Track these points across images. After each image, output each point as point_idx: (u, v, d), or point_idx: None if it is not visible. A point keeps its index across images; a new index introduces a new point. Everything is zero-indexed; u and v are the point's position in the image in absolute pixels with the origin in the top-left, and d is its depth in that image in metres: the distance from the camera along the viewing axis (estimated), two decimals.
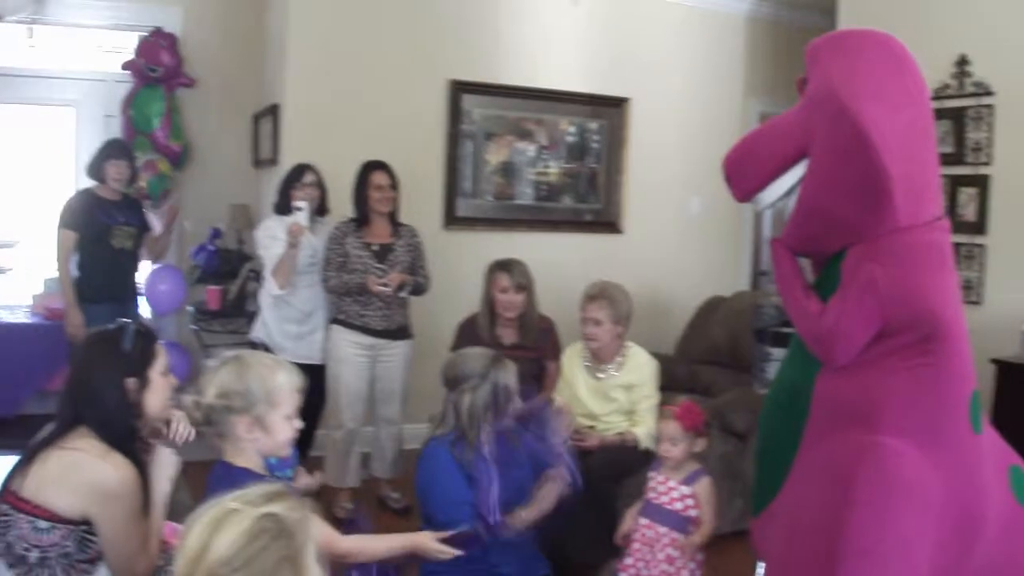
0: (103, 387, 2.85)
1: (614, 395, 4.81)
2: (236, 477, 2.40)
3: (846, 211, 2.68)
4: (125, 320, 3.09)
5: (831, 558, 2.67)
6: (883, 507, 2.62)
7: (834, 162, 2.64)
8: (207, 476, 2.84)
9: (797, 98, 2.90)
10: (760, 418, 3.15)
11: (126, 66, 7.21)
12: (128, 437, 2.85)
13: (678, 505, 3.72)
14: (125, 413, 2.86)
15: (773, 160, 2.80)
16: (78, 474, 2.72)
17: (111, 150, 6.07)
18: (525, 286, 5.26)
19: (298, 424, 2.84)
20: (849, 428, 2.72)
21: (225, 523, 1.74)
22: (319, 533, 2.78)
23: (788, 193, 2.83)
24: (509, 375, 3.68)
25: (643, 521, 3.77)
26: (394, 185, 5.54)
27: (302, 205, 5.34)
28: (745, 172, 2.89)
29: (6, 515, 2.77)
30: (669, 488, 3.75)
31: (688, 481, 3.74)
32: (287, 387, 2.78)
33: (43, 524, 2.70)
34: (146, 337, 3.02)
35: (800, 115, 2.77)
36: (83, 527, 2.74)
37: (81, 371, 2.92)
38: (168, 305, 7.04)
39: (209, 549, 1.71)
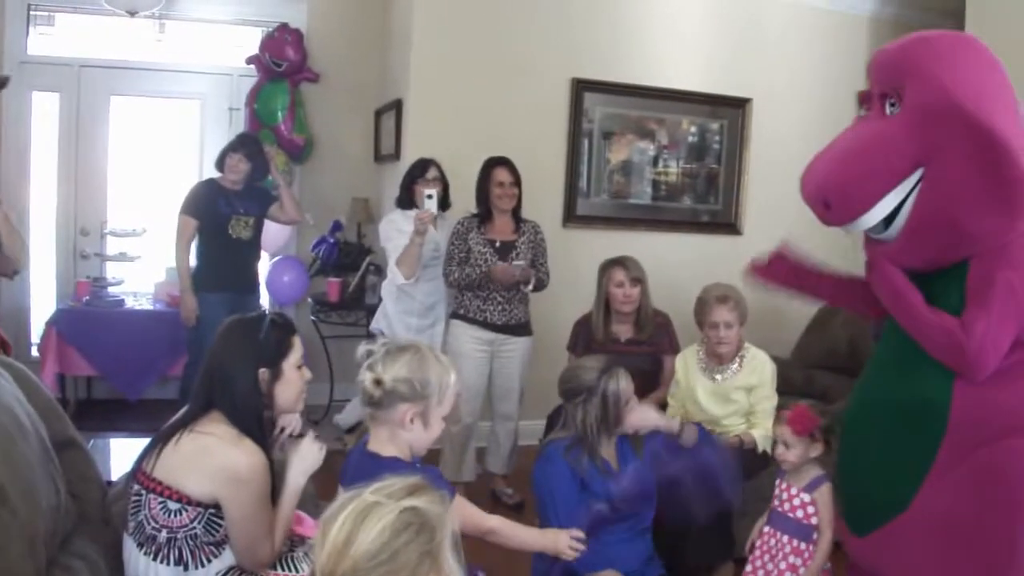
0: (236, 374, 2.89)
1: (734, 397, 4.75)
2: (377, 465, 2.41)
3: (977, 220, 2.61)
4: (266, 310, 3.13)
5: (997, 564, 2.66)
6: None
7: (967, 173, 2.56)
8: (344, 463, 2.88)
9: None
10: (856, 441, 3.08)
11: (251, 60, 7.34)
12: (257, 425, 2.88)
13: (799, 513, 3.65)
14: (255, 402, 2.90)
15: (885, 179, 2.68)
16: (209, 458, 2.76)
17: (234, 143, 6.22)
18: (640, 279, 5.26)
19: (443, 424, 2.88)
20: (1008, 435, 2.66)
21: (369, 516, 1.75)
22: (465, 512, 2.81)
23: (895, 211, 2.74)
24: (620, 382, 3.65)
25: (767, 529, 3.72)
26: (516, 182, 5.53)
27: (433, 193, 5.36)
28: (852, 194, 2.74)
29: (137, 495, 2.82)
30: (791, 495, 3.69)
31: (810, 488, 3.67)
32: (453, 389, 2.82)
33: (173, 505, 2.75)
34: (283, 329, 3.05)
35: (906, 128, 2.65)
36: (211, 510, 2.78)
37: (217, 357, 2.95)
38: (289, 296, 7.15)
39: (353, 542, 1.72)
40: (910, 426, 2.79)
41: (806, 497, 3.64)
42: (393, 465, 2.65)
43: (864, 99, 2.95)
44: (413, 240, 5.37)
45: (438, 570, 1.78)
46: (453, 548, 1.83)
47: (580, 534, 3.17)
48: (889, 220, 2.74)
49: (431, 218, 5.33)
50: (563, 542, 3.11)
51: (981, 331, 2.60)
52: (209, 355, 2.98)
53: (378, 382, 2.72)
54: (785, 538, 3.63)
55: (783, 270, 3.53)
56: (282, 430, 3.23)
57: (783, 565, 3.62)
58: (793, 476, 3.70)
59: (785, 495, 3.69)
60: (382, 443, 2.80)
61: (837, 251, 7.81)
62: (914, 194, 2.67)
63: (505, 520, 3.12)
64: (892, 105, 2.73)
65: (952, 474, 2.71)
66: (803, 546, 3.61)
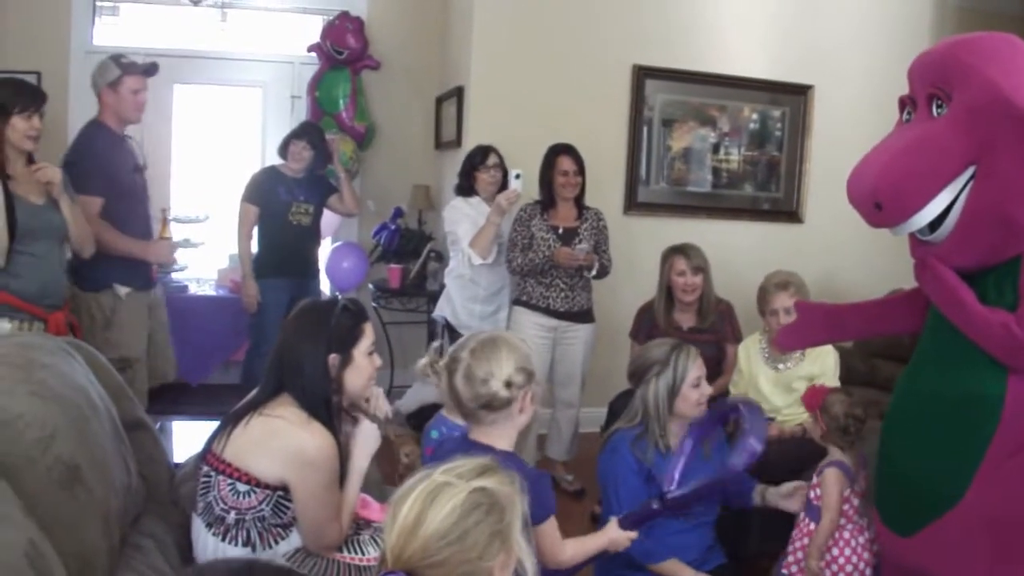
0: (306, 359, 2.91)
1: (796, 386, 4.72)
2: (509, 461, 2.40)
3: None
4: (338, 296, 3.16)
5: None
6: None
7: (1019, 167, 2.56)
8: (441, 450, 2.90)
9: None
10: (901, 439, 3.03)
11: (312, 48, 7.39)
12: (326, 409, 2.90)
13: (816, 501, 3.64)
14: (324, 387, 2.92)
15: (938, 177, 2.68)
16: (278, 440, 2.79)
17: (298, 130, 6.25)
18: (702, 268, 5.24)
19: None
20: None
21: (439, 496, 1.76)
22: (547, 540, 2.80)
23: (946, 211, 2.73)
24: (691, 361, 3.62)
25: (803, 517, 3.69)
26: (580, 170, 5.52)
27: (520, 173, 5.39)
28: (906, 194, 2.72)
29: (207, 476, 2.86)
30: (814, 483, 3.67)
31: (819, 472, 3.65)
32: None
33: (242, 487, 2.78)
34: (355, 315, 3.06)
35: (957, 126, 2.65)
36: (280, 492, 2.80)
37: (288, 340, 2.97)
38: (349, 282, 7.20)
39: (424, 522, 1.73)
40: (961, 421, 2.76)
41: (815, 481, 3.63)
42: (514, 462, 2.63)
43: (906, 104, 2.94)
44: (490, 219, 5.39)
45: (508, 551, 1.80)
46: (523, 529, 1.84)
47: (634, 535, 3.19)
48: (935, 223, 2.75)
49: (517, 197, 5.35)
50: (617, 537, 3.14)
51: None
52: (280, 339, 3.01)
53: (509, 384, 2.70)
54: (813, 525, 3.61)
55: (813, 322, 3.49)
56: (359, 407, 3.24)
57: (835, 552, 3.61)
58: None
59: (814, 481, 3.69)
60: (496, 437, 2.77)
61: (896, 239, 7.78)
62: (966, 192, 2.67)
63: (574, 545, 3.08)
64: (939, 106, 2.74)
65: (1004, 468, 2.68)
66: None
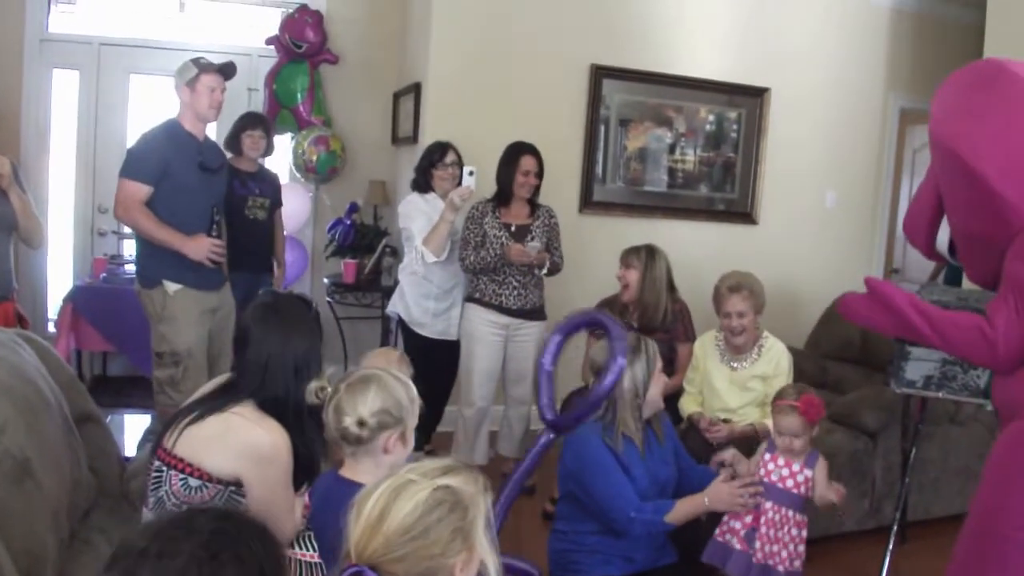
0: (271, 357, 2.87)
1: (751, 386, 4.78)
2: (347, 490, 2.37)
3: (979, 227, 2.68)
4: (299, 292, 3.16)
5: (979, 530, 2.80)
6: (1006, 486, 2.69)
7: (950, 188, 2.70)
8: (315, 486, 2.88)
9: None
10: None
11: (270, 41, 7.36)
12: (286, 408, 2.87)
13: (802, 489, 3.69)
14: (287, 385, 2.88)
15: (921, 217, 2.88)
16: (233, 436, 2.76)
17: (246, 121, 6.16)
18: (634, 266, 5.26)
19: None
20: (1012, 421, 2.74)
21: (403, 493, 1.78)
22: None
23: None
24: (655, 349, 3.70)
25: (768, 504, 3.73)
26: (540, 172, 5.54)
27: (474, 169, 5.37)
28: (913, 230, 2.97)
29: (158, 471, 2.83)
30: (793, 472, 3.71)
31: (809, 463, 3.70)
32: (417, 399, 2.79)
33: (194, 482, 2.75)
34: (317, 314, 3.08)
35: (931, 168, 2.84)
36: (232, 487, 2.78)
37: (254, 337, 2.92)
38: (292, 276, 7.17)
39: (387, 517, 1.75)
40: None
41: (808, 473, 3.68)
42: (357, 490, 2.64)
43: None
44: (444, 216, 5.37)
45: (470, 548, 1.81)
46: (486, 528, 1.85)
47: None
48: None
49: (470, 194, 5.35)
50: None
51: (1003, 323, 2.64)
52: (242, 335, 2.98)
53: (362, 423, 2.67)
54: (790, 512, 3.65)
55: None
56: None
57: (786, 538, 3.65)
58: (789, 453, 3.75)
59: (787, 471, 3.72)
60: (360, 472, 2.72)
61: (848, 242, 7.87)
62: None
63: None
64: None
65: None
66: (801, 517, 3.65)
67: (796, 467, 3.70)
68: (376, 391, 2.70)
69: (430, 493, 1.78)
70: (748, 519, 3.72)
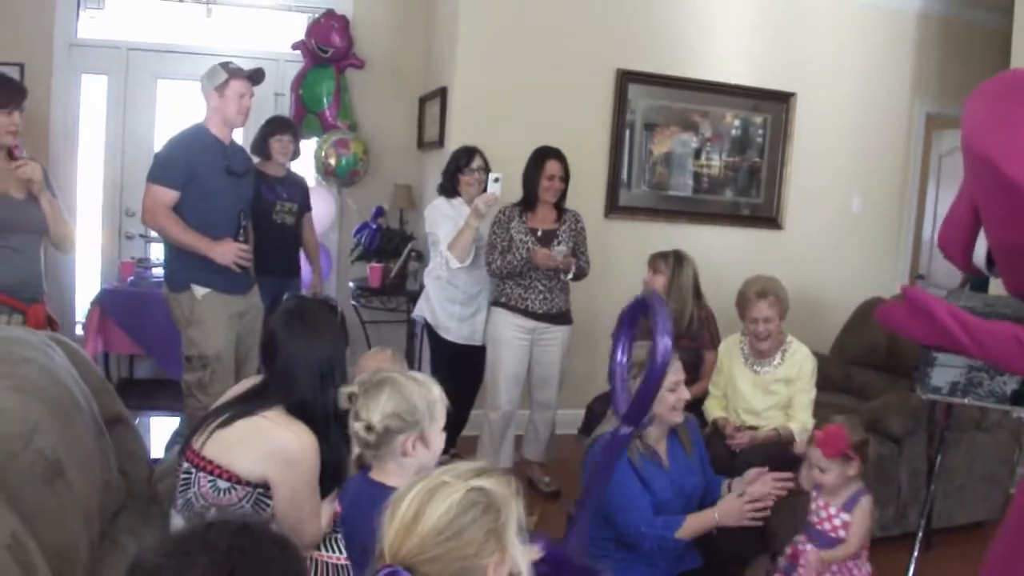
0: (298, 361, 2.91)
1: (775, 389, 4.77)
2: (378, 493, 2.37)
3: (1018, 238, 2.59)
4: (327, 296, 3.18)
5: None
6: None
7: (986, 199, 2.61)
8: (345, 488, 2.88)
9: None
10: None
11: (297, 46, 7.40)
12: (314, 412, 2.90)
13: (841, 533, 3.65)
14: (314, 390, 2.92)
15: (959, 225, 2.78)
16: (261, 438, 2.79)
17: (275, 126, 6.18)
18: (662, 271, 5.26)
19: (444, 434, 2.83)
20: None
21: (437, 494, 1.79)
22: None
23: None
24: (668, 365, 3.65)
25: (809, 547, 3.70)
26: (566, 176, 5.54)
27: (499, 176, 5.35)
28: (949, 245, 2.87)
29: (187, 473, 2.85)
30: (830, 515, 3.68)
31: (848, 506, 3.66)
32: (441, 400, 2.78)
33: (223, 484, 2.77)
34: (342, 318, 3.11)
35: (965, 179, 2.74)
36: (260, 490, 2.80)
37: (282, 341, 2.96)
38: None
39: (422, 518, 1.76)
40: None
41: (845, 517, 3.63)
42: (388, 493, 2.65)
43: None
44: (469, 223, 5.38)
45: (503, 549, 1.82)
46: (518, 530, 1.86)
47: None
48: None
49: (495, 200, 5.34)
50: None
51: None
52: (270, 340, 3.00)
53: (369, 427, 2.68)
54: (809, 547, 3.63)
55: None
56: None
57: None
58: (830, 494, 3.70)
59: (824, 513, 3.69)
60: (387, 474, 2.73)
61: (873, 247, 7.85)
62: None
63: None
64: None
65: None
66: (855, 561, 3.61)
67: (833, 509, 3.67)
68: (388, 394, 2.70)
69: (464, 494, 1.79)
70: (788, 551, 3.72)
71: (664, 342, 3.15)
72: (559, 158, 5.53)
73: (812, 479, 3.70)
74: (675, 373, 3.65)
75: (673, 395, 3.63)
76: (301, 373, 2.89)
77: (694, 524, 3.50)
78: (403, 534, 1.77)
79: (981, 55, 7.87)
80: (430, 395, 2.74)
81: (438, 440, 2.76)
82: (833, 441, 3.58)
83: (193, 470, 2.83)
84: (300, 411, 2.85)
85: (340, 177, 7.21)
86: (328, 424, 2.89)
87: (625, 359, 3.48)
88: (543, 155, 5.54)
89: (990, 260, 2.81)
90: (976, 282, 7.02)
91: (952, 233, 2.81)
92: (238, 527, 1.60)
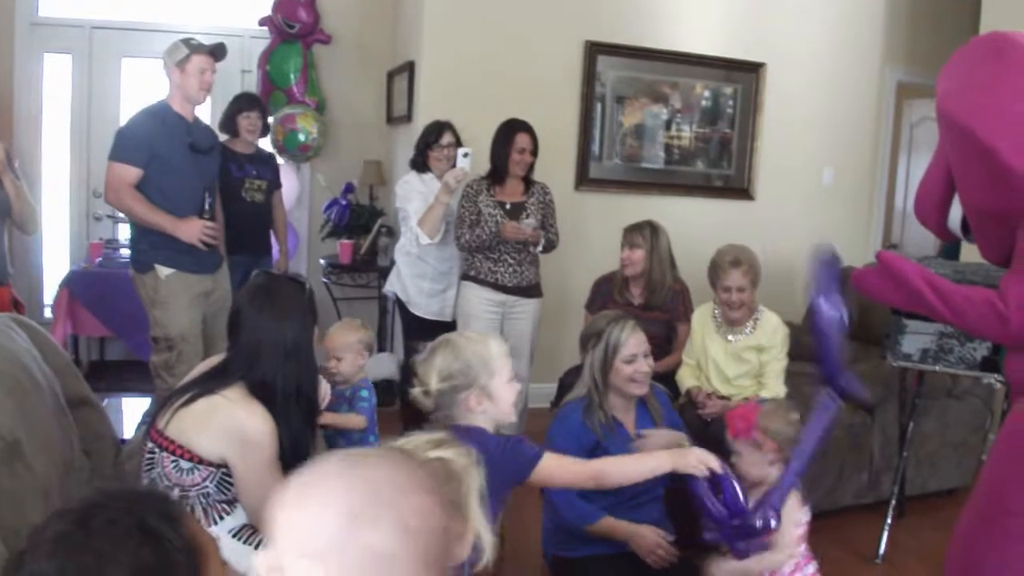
0: (264, 338, 2.88)
1: (746, 356, 4.77)
2: (472, 435, 2.44)
3: (994, 203, 2.62)
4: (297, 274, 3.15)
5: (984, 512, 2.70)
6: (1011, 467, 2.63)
7: (962, 164, 2.63)
8: None
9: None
10: None
11: (263, 22, 7.34)
12: (274, 391, 2.88)
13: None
14: (278, 369, 2.89)
15: (935, 190, 2.79)
16: (218, 417, 2.78)
17: (242, 103, 6.16)
18: (640, 245, 5.23)
19: (517, 386, 2.86)
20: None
21: None
22: (562, 464, 2.82)
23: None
24: (624, 332, 3.62)
25: (720, 564, 3.36)
26: (535, 150, 5.51)
27: (469, 151, 5.35)
28: (924, 210, 2.87)
29: (151, 453, 2.84)
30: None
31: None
32: (499, 353, 2.80)
33: (185, 464, 2.77)
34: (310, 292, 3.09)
35: (939, 143, 2.77)
36: (223, 469, 2.79)
37: (247, 318, 2.93)
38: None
39: None
40: None
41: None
42: (479, 434, 2.68)
43: None
44: (439, 198, 5.36)
45: (464, 520, 1.80)
46: (480, 501, 1.85)
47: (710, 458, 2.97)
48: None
49: (465, 176, 5.33)
50: (693, 457, 2.79)
51: (1015, 297, 2.58)
52: (236, 317, 2.96)
53: (426, 392, 2.73)
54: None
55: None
56: None
57: None
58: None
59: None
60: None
61: (845, 217, 7.86)
62: None
63: (610, 459, 3.06)
64: None
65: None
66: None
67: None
68: (441, 356, 2.75)
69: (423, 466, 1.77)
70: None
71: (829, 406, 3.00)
72: (528, 131, 5.49)
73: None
74: (634, 346, 3.62)
75: (630, 367, 3.60)
76: (265, 350, 2.86)
77: (607, 526, 3.47)
78: None
79: (951, 22, 7.87)
80: (485, 351, 2.78)
81: (505, 392, 2.79)
82: (736, 421, 3.24)
83: (157, 450, 2.81)
84: (261, 390, 2.83)
85: (290, 151, 7.14)
86: (288, 404, 2.87)
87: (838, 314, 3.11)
88: (512, 128, 5.50)
89: (965, 226, 2.80)
90: (949, 250, 7.06)
91: (927, 199, 2.82)
92: (106, 491, 1.55)
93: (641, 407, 3.76)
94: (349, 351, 4.01)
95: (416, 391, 2.75)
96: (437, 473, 1.76)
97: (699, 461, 2.75)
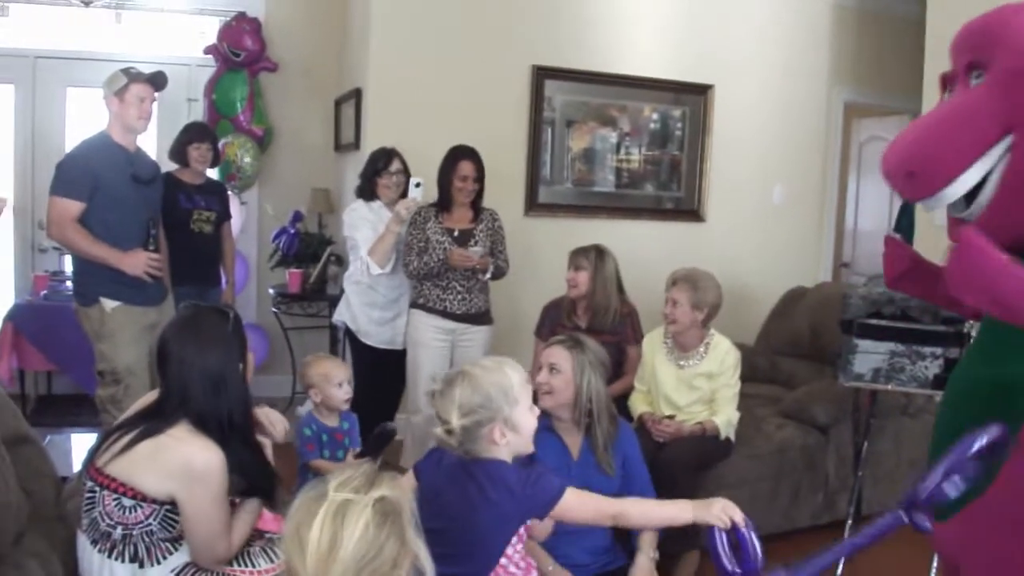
0: (195, 372, 2.85)
1: (697, 384, 4.75)
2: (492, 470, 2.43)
3: None
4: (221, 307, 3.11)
5: None
6: None
7: None
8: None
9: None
10: (946, 420, 2.82)
11: (208, 50, 7.30)
12: (219, 423, 2.85)
13: None
14: (216, 401, 2.86)
15: (972, 145, 2.46)
16: (165, 455, 2.73)
17: (192, 134, 6.08)
18: (584, 267, 5.23)
19: (537, 411, 2.83)
20: None
21: (347, 516, 1.74)
22: (585, 502, 2.78)
23: (980, 183, 2.49)
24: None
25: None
26: (479, 176, 5.48)
27: (420, 181, 5.34)
28: (938, 163, 2.50)
29: (91, 492, 2.79)
30: None
31: None
32: (519, 381, 2.74)
33: (128, 502, 2.73)
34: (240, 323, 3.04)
35: (994, 93, 2.44)
36: (167, 506, 2.75)
37: (174, 353, 2.89)
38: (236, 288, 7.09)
39: (339, 545, 1.71)
40: (996, 407, 2.56)
41: None
42: (498, 468, 2.70)
43: (945, 82, 2.71)
44: (390, 228, 5.35)
45: (407, 552, 1.79)
46: (414, 525, 1.83)
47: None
48: (971, 197, 2.53)
49: (416, 206, 5.33)
50: (717, 507, 2.67)
51: None
52: (163, 351, 2.93)
53: (449, 431, 2.66)
54: None
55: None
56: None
57: None
58: None
59: None
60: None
61: (796, 237, 7.91)
62: (1003, 163, 2.46)
63: (631, 500, 3.09)
64: (978, 76, 2.53)
65: None
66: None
67: None
68: (460, 391, 2.68)
69: (373, 510, 1.74)
70: None
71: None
72: (471, 158, 5.48)
73: None
74: (542, 358, 3.82)
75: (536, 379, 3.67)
76: (193, 382, 2.82)
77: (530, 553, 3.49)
78: (322, 566, 1.71)
79: (896, 43, 7.96)
80: (504, 380, 2.72)
81: (527, 421, 2.76)
82: None
83: (97, 488, 2.76)
84: (202, 423, 2.78)
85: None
86: (224, 433, 2.82)
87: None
88: (456, 156, 5.49)
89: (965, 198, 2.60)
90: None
91: (955, 145, 2.49)
92: None
93: (587, 437, 3.76)
94: (327, 383, 4.06)
95: (439, 431, 2.69)
96: (386, 513, 1.76)
97: (722, 511, 2.63)
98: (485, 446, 2.69)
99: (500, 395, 2.67)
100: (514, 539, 2.82)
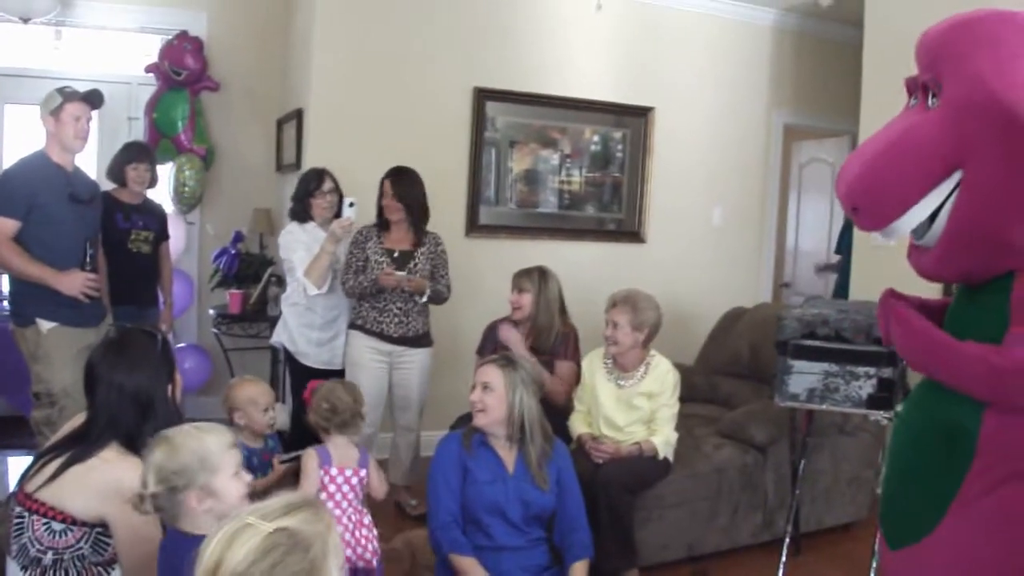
0: (124, 393, 2.87)
1: (637, 403, 4.77)
2: (188, 545, 2.21)
3: (1019, 230, 2.34)
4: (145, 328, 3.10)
5: None
6: None
7: (1007, 176, 2.30)
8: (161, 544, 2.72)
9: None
10: (896, 454, 2.76)
11: (150, 69, 7.25)
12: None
13: None
14: (142, 421, 2.87)
15: (917, 183, 2.41)
16: (94, 476, 2.73)
17: (131, 154, 6.02)
18: (528, 289, 5.26)
19: (248, 477, 2.65)
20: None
21: (236, 539, 1.72)
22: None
23: (931, 217, 2.45)
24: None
25: None
26: (403, 196, 5.48)
27: (354, 201, 5.34)
28: (881, 200, 2.46)
29: (20, 517, 2.77)
30: None
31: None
32: (220, 448, 2.56)
33: (57, 526, 2.71)
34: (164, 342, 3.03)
35: (942, 126, 2.38)
36: (98, 529, 2.74)
37: (103, 376, 2.91)
38: (178, 308, 7.04)
39: (221, 567, 1.70)
40: (942, 448, 2.54)
41: None
42: (196, 543, 2.52)
43: (911, 87, 2.60)
44: (325, 248, 5.33)
45: None
46: (336, 564, 1.80)
47: None
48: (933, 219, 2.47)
49: (351, 225, 5.32)
50: None
51: (1021, 355, 2.33)
52: (91, 375, 2.92)
53: (141, 498, 2.48)
54: None
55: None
56: None
57: None
58: None
59: None
60: (187, 526, 2.53)
61: (737, 258, 7.97)
62: (952, 199, 2.40)
63: None
64: (934, 96, 2.45)
65: (978, 505, 2.46)
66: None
67: None
68: (157, 457, 2.49)
69: (264, 538, 1.72)
70: None
71: None
72: (392, 176, 5.53)
73: None
74: (477, 376, 3.94)
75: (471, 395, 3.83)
76: (122, 405, 2.83)
77: (468, 570, 3.58)
78: None
79: (835, 66, 8.08)
80: (202, 447, 2.53)
81: (229, 488, 2.55)
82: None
83: (26, 514, 2.74)
84: (130, 445, 2.77)
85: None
86: None
87: None
88: (384, 176, 5.57)
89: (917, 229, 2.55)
90: (844, 286, 7.04)
91: (902, 182, 2.43)
92: None
93: (520, 453, 3.80)
94: (253, 407, 4.09)
95: (133, 498, 2.49)
96: (279, 544, 1.72)
97: None
98: (185, 512, 2.51)
99: (196, 462, 2.50)
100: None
